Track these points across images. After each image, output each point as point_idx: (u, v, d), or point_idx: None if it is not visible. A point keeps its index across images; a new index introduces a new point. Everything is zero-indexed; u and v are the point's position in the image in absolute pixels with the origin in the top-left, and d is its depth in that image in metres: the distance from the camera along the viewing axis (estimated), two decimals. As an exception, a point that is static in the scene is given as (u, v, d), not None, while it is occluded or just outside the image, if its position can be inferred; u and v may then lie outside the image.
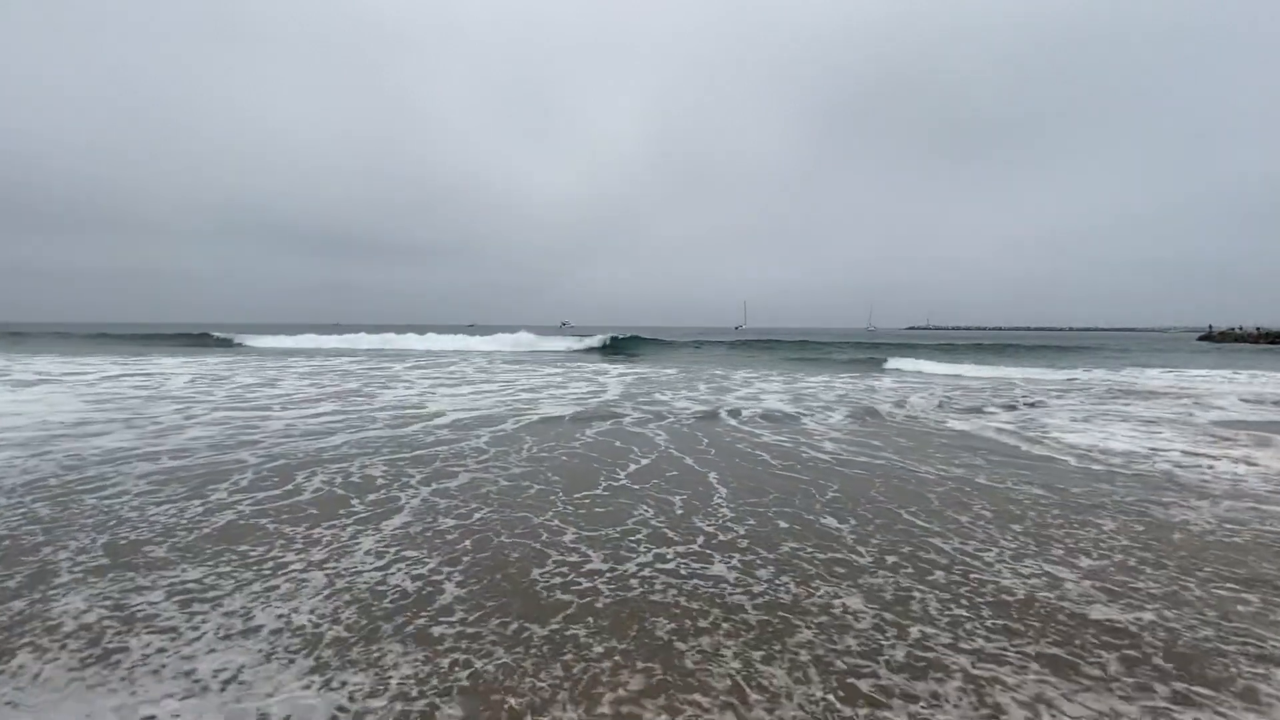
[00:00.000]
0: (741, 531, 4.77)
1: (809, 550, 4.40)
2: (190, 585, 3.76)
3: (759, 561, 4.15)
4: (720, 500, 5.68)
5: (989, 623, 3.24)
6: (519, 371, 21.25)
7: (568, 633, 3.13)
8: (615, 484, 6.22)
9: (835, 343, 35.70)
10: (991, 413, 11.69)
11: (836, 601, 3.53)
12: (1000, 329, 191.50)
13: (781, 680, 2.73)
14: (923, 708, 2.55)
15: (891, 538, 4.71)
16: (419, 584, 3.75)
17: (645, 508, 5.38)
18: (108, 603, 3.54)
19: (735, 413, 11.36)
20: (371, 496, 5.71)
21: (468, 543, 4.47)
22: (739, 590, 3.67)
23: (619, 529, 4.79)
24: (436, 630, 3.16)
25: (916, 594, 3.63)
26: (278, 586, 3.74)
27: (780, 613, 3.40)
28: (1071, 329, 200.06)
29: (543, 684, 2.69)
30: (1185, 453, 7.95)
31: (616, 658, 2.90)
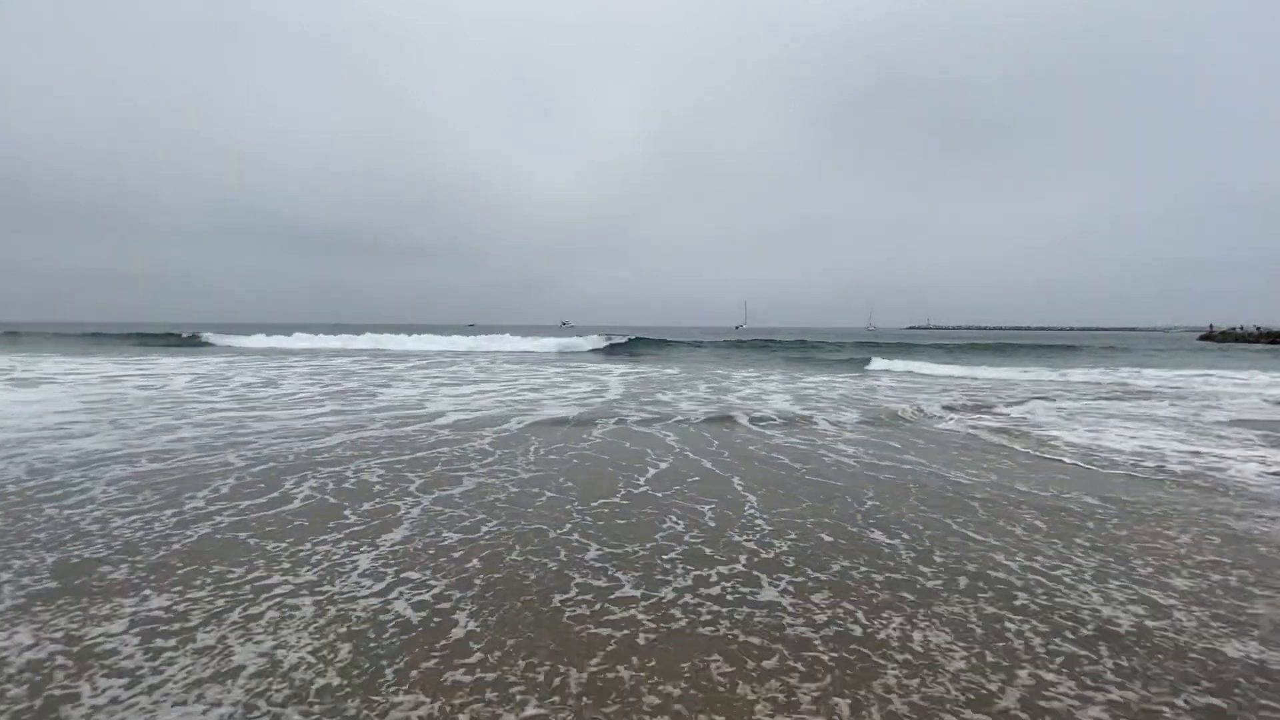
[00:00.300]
0: (784, 547, 4.29)
1: (864, 570, 3.92)
2: (155, 615, 3.25)
3: (812, 584, 3.67)
4: (752, 510, 5.20)
5: (1110, 663, 2.77)
6: (520, 371, 20.74)
7: (609, 676, 2.64)
8: (635, 491, 5.73)
9: (835, 343, 35.27)
10: (1002, 413, 11.27)
11: (916, 635, 3.05)
12: (1000, 328, 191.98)
13: (876, 741, 2.25)
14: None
15: (951, 553, 4.24)
16: (424, 613, 3.24)
17: (673, 519, 4.89)
18: (56, 636, 3.03)
19: (744, 414, 10.89)
20: (367, 506, 5.20)
21: (477, 561, 3.96)
22: (800, 620, 3.19)
23: (648, 545, 4.29)
24: (450, 675, 2.66)
25: (1007, 625, 3.16)
26: (259, 616, 3.22)
27: (853, 648, 2.92)
28: (1072, 329, 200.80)
29: (585, 747, 2.20)
30: (1219, 456, 7.55)
31: (677, 707, 2.41)
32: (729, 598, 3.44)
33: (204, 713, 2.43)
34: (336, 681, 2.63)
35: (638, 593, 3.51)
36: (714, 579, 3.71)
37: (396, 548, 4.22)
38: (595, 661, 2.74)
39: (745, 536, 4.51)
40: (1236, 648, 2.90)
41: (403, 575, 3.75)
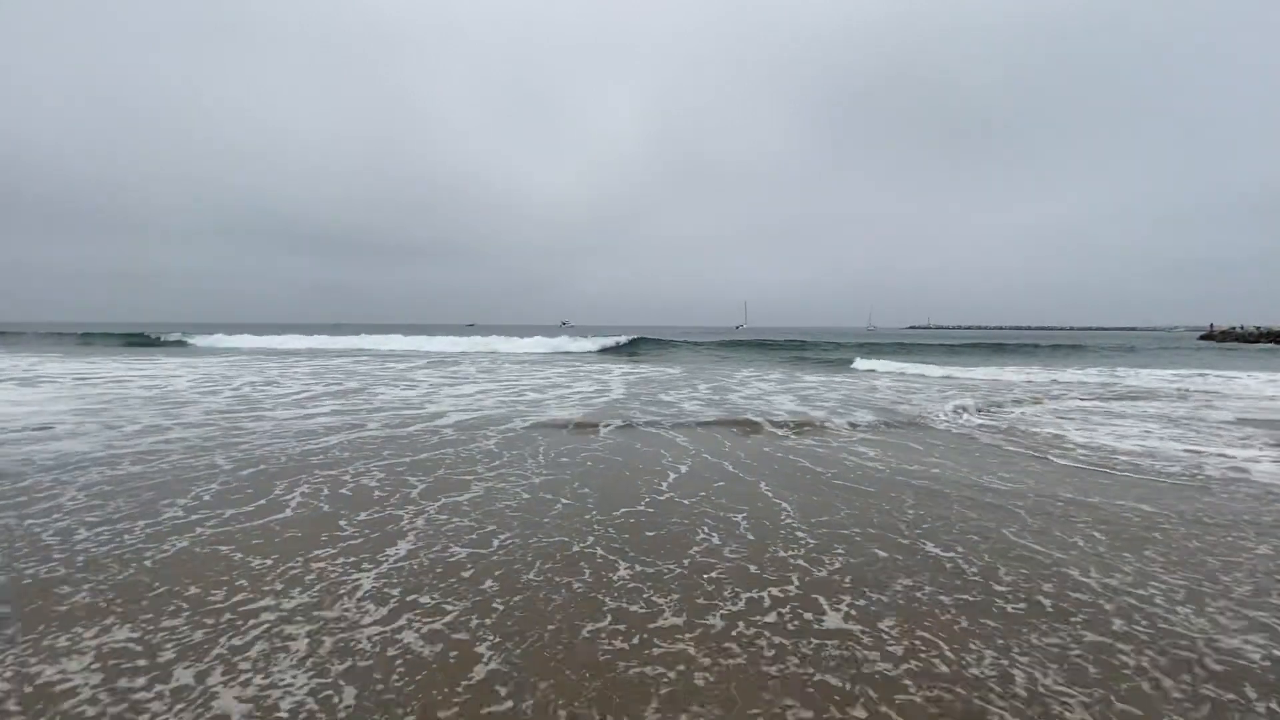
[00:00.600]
0: (836, 564, 3.86)
1: (930, 589, 3.50)
2: (122, 648, 2.80)
3: (878, 608, 3.24)
4: (790, 519, 4.77)
5: (1263, 707, 2.35)
6: (521, 371, 20.30)
7: (669, 732, 2.21)
8: (659, 498, 5.30)
9: (834, 343, 34.82)
10: (1014, 414, 10.87)
11: (1017, 673, 2.63)
12: (1000, 328, 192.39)
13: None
14: None
15: (1018, 569, 3.84)
16: (439, 647, 2.80)
17: (706, 530, 4.46)
18: (3, 675, 2.57)
19: (753, 414, 10.48)
20: (364, 515, 4.75)
21: (492, 582, 3.52)
22: (875, 653, 2.76)
23: (684, 561, 3.86)
24: (476, 731, 2.22)
25: (1120, 658, 2.74)
26: (245, 650, 2.78)
27: (947, 687, 2.49)
28: (1072, 328, 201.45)
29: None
30: (1255, 459, 7.19)
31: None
32: (790, 626, 3.00)
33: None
34: (336, 738, 2.19)
35: (680, 620, 3.08)
36: (767, 602, 3.28)
37: (401, 564, 3.77)
38: (650, 712, 2.30)
39: (790, 551, 4.08)
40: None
41: (410, 598, 3.30)
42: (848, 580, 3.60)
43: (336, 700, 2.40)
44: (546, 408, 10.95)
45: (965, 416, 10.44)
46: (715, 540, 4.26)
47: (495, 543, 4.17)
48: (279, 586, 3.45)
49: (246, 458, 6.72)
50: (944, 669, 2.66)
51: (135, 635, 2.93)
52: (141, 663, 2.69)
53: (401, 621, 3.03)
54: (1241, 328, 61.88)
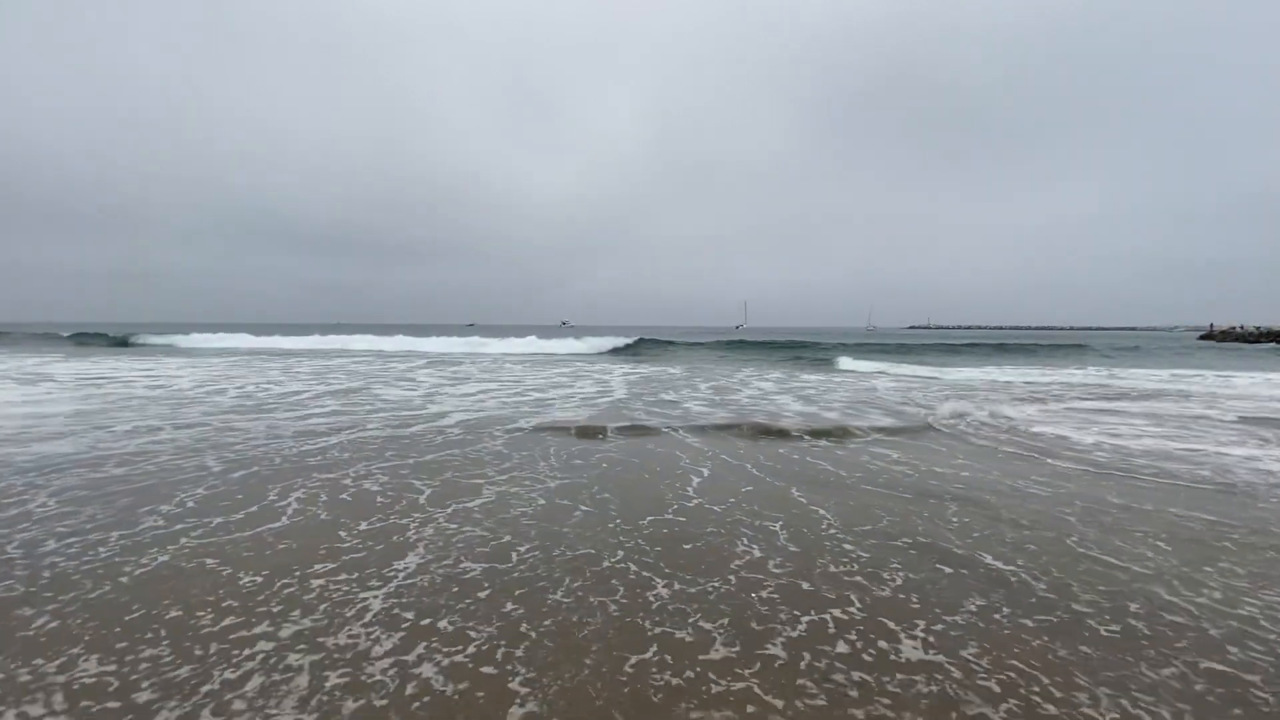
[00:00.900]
0: (897, 581, 3.50)
1: (1009, 611, 3.15)
2: (91, 684, 2.41)
3: (956, 634, 2.88)
4: (832, 529, 4.41)
5: None
6: (522, 370, 19.92)
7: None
8: (687, 505, 4.93)
9: (835, 344, 34.44)
10: (1019, 415, 10.54)
11: (1142, 714, 2.26)
12: (1001, 328, 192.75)
13: None
14: None
15: (1094, 585, 3.50)
16: (464, 684, 2.42)
17: (745, 542, 4.09)
18: (-55, 723, 2.19)
19: (761, 415, 10.12)
20: (366, 525, 4.36)
21: (515, 604, 3.14)
22: (971, 692, 2.40)
23: (729, 578, 3.49)
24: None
25: (1261, 698, 2.38)
26: (237, 687, 2.40)
27: (1064, 739, 2.13)
28: (1073, 328, 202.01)
29: None
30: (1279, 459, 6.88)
31: None
32: (865, 657, 2.64)
33: None
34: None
35: (736, 649, 2.71)
36: (831, 627, 2.92)
37: (411, 581, 3.39)
38: (727, 774, 1.93)
39: (841, 565, 3.72)
40: None
41: (424, 622, 2.92)
42: (914, 600, 3.24)
43: (345, 755, 2.03)
44: (550, 408, 10.58)
45: (972, 417, 10.08)
46: (757, 552, 3.90)
47: (514, 556, 3.79)
48: (275, 608, 3.07)
49: (239, 459, 6.33)
50: (1054, 710, 2.30)
51: (109, 668, 2.55)
52: (114, 704, 2.31)
53: (418, 651, 2.65)
54: (1241, 327, 62.01)
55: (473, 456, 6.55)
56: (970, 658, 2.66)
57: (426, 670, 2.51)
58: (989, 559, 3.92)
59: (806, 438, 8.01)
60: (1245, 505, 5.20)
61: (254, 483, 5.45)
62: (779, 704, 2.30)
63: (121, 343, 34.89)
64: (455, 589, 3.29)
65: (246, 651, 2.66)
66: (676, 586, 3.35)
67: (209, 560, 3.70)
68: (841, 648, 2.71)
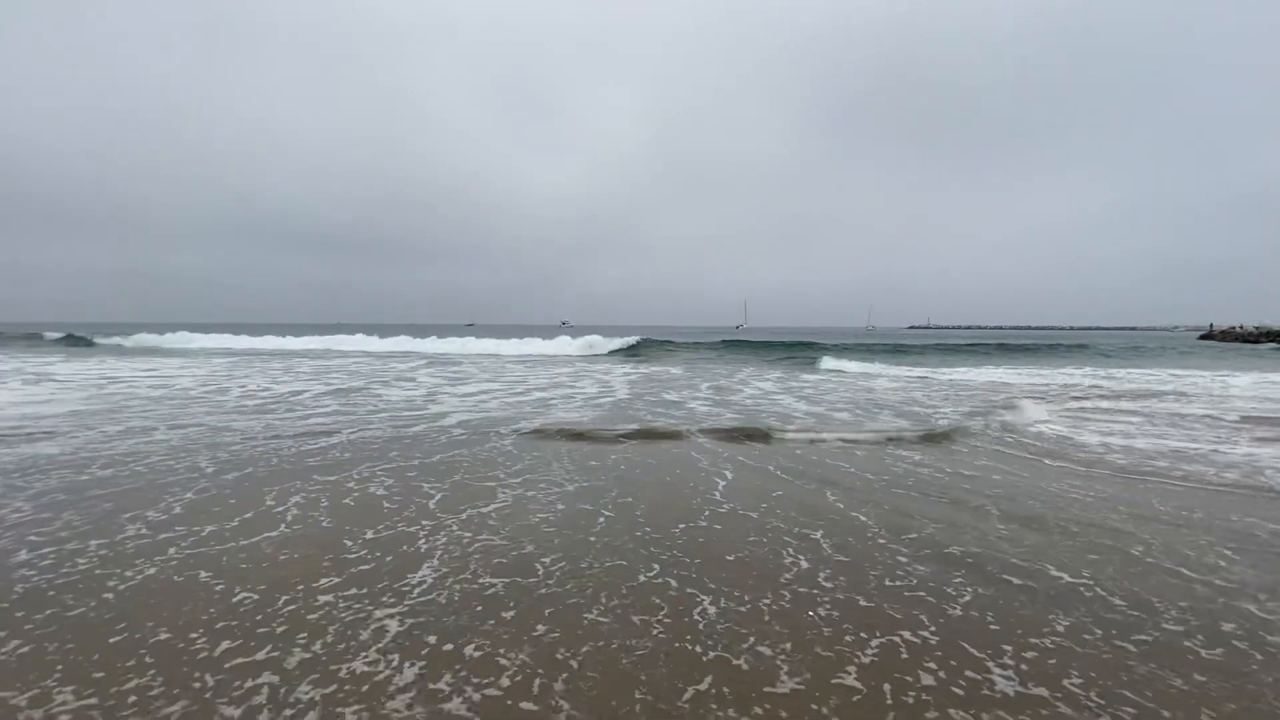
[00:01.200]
0: (965, 596, 3.20)
1: (1099, 631, 2.85)
2: (62, 728, 2.08)
3: (1052, 661, 2.58)
4: (879, 538, 4.11)
5: None
6: (523, 370, 19.59)
7: None
8: (719, 510, 4.61)
9: (834, 344, 34.14)
10: (1032, 415, 10.25)
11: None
12: (1000, 328, 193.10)
13: None
14: None
15: (1174, 599, 3.22)
16: (498, 727, 2.10)
17: (790, 552, 3.78)
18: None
19: (769, 415, 9.83)
20: (372, 533, 4.03)
21: (546, 626, 2.82)
22: (1086, 733, 2.09)
23: (781, 594, 3.18)
24: None
25: None
26: (230, 731, 2.07)
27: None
28: (1073, 328, 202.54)
29: None
30: None
31: None
32: (955, 690, 2.33)
33: None
34: None
35: (805, 679, 2.40)
36: (904, 652, 2.61)
37: (427, 599, 3.07)
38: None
39: (899, 579, 3.41)
40: None
41: (446, 647, 2.60)
42: (990, 619, 2.93)
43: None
44: (554, 408, 10.26)
45: (984, 418, 9.77)
46: (804, 563, 3.59)
47: (539, 569, 3.47)
48: (278, 629, 2.74)
49: (234, 459, 6.01)
50: (1187, 755, 1.99)
51: (89, 701, 2.23)
52: (89, 750, 1.98)
53: (445, 682, 2.33)
54: (1241, 327, 62.14)
55: (482, 458, 6.23)
56: (1076, 689, 2.35)
57: (457, 707, 2.19)
58: (1053, 570, 3.62)
59: (825, 439, 7.70)
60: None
61: (249, 486, 5.12)
62: (872, 750, 1.99)
63: (87, 342, 33.97)
64: (478, 607, 2.97)
65: (250, 683, 2.34)
66: (724, 604, 3.04)
67: (202, 573, 3.38)
68: (925, 678, 2.40)
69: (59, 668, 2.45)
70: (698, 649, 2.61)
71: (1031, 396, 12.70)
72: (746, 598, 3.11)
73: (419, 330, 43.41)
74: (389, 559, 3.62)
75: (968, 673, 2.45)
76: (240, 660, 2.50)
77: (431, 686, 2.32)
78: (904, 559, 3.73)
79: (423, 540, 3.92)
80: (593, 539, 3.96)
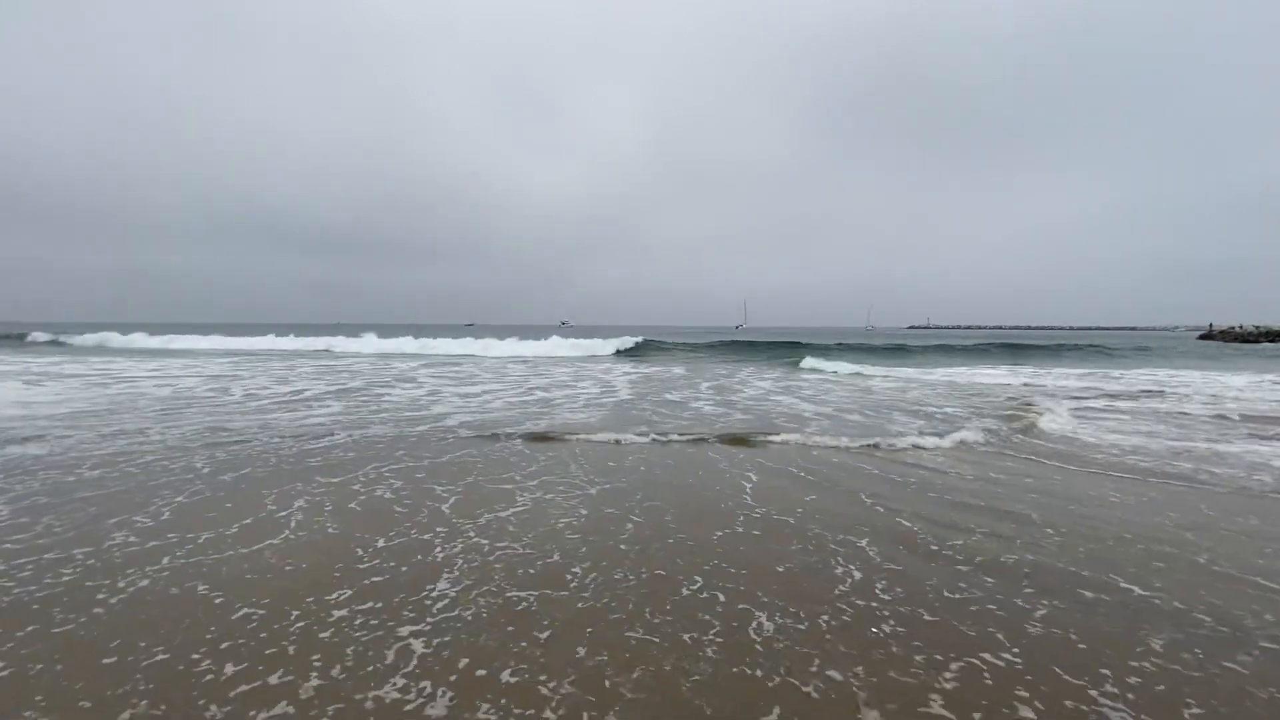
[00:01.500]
0: (1040, 611, 2.95)
1: (1199, 651, 2.61)
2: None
3: (1161, 688, 2.33)
4: (930, 545, 3.87)
5: None
6: (524, 370, 19.32)
7: None
8: (752, 515, 4.36)
9: (835, 344, 33.91)
10: (1043, 416, 10.04)
11: None
12: (1000, 328, 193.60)
13: None
14: None
15: (1259, 613, 2.99)
16: (550, 769, 1.84)
17: (839, 561, 3.52)
18: None
19: (777, 415, 9.59)
20: (383, 541, 3.76)
21: (587, 648, 2.57)
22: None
23: (839, 609, 2.92)
24: None
25: None
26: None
27: None
28: (1073, 328, 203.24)
29: None
30: None
31: None
32: (1064, 724, 2.07)
33: None
34: None
35: (888, 714, 2.14)
36: (989, 677, 2.35)
37: (451, 615, 2.81)
38: None
39: (961, 590, 3.16)
40: None
41: (480, 672, 2.34)
42: (1074, 637, 2.68)
43: None
44: (559, 408, 9.99)
45: (995, 420, 9.54)
46: (856, 574, 3.33)
47: (570, 580, 3.21)
48: (290, 650, 2.48)
49: (231, 459, 5.73)
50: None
51: (70, 741, 1.95)
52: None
53: (484, 714, 2.06)
54: (1240, 327, 62.32)
55: (494, 459, 5.96)
56: (1192, 720, 2.10)
57: (498, 746, 1.92)
58: (1121, 582, 3.38)
59: (843, 442, 7.43)
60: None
61: (247, 488, 4.85)
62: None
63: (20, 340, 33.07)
64: (509, 626, 2.70)
65: (263, 715, 2.07)
66: (780, 620, 2.78)
67: (200, 585, 3.11)
68: (1023, 710, 2.15)
69: (40, 696, 2.18)
70: (759, 672, 2.36)
71: (1040, 396, 12.48)
72: (802, 613, 2.85)
73: (419, 330, 43.14)
74: (404, 569, 3.35)
75: (1068, 702, 2.20)
76: (250, 686, 2.23)
77: (469, 719, 2.05)
78: (963, 568, 3.48)
79: (439, 548, 3.65)
80: (624, 547, 3.69)
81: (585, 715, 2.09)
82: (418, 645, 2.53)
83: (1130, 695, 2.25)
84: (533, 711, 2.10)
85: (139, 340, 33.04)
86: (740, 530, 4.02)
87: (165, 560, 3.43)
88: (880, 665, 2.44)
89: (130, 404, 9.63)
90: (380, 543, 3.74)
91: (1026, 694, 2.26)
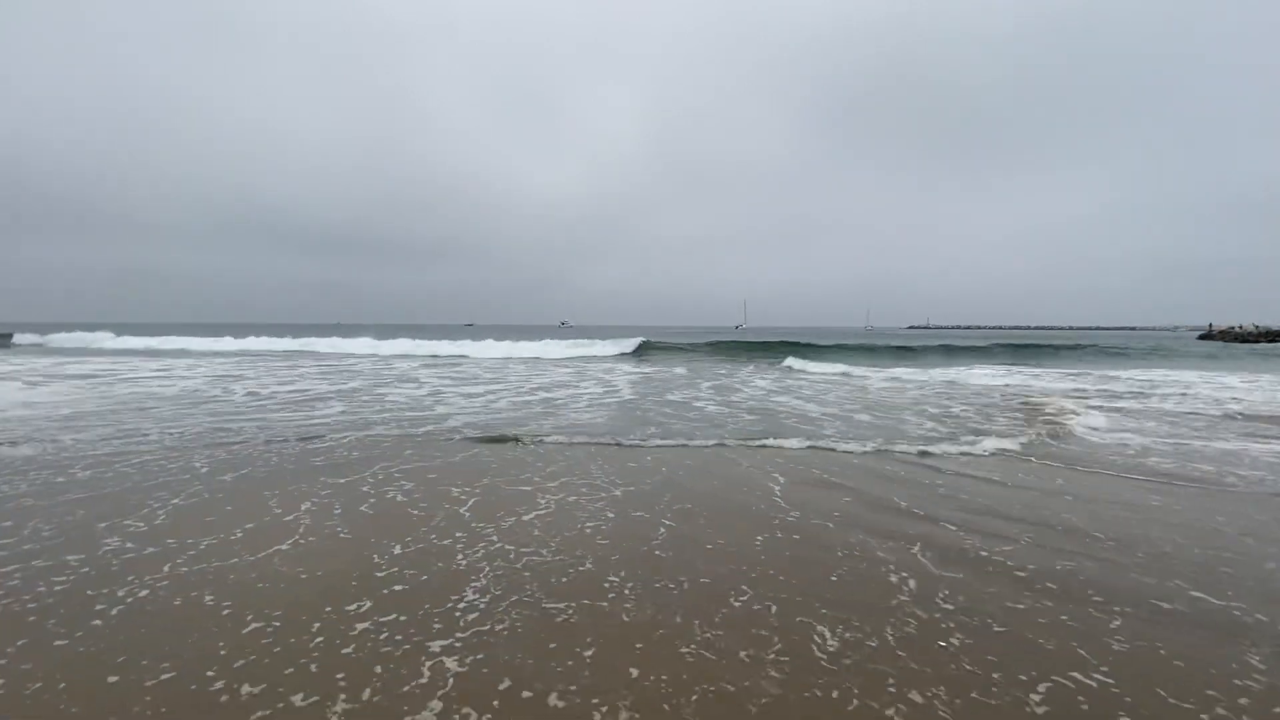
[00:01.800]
0: (1116, 623, 2.77)
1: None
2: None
3: None
4: (979, 550, 3.68)
5: None
6: (525, 370, 19.11)
7: None
8: (787, 519, 4.16)
9: (833, 345, 33.72)
10: (1052, 417, 9.88)
11: None
12: (1000, 328, 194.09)
13: None
14: None
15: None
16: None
17: (891, 568, 3.33)
18: None
19: (782, 414, 9.40)
20: (400, 548, 3.55)
21: (639, 667, 2.37)
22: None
23: (907, 622, 2.73)
24: None
25: None
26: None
27: None
28: (1073, 328, 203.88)
29: None
30: None
31: None
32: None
33: None
34: None
35: (981, 734, 1.94)
36: (1084, 701, 2.16)
37: (483, 629, 2.60)
38: None
39: (1024, 600, 2.98)
40: None
41: (525, 694, 2.14)
42: (1163, 652, 2.49)
43: None
44: (564, 408, 9.79)
45: (1006, 421, 9.38)
46: (911, 583, 3.14)
47: (607, 590, 3.00)
48: (311, 669, 2.27)
49: (232, 460, 5.51)
50: None
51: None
52: None
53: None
54: (1240, 327, 62.54)
55: (508, 459, 5.76)
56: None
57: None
58: (1192, 591, 3.20)
59: (864, 446, 7.22)
60: None
61: (249, 489, 4.64)
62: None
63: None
64: (550, 642, 2.50)
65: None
66: (843, 633, 2.58)
67: (207, 595, 2.89)
68: (1136, 738, 1.96)
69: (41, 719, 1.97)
70: (835, 694, 2.16)
71: (1046, 398, 12.33)
72: (865, 625, 2.66)
73: (418, 330, 42.92)
74: (425, 577, 3.15)
75: (1185, 727, 2.01)
76: (270, 711, 2.02)
77: (518, 750, 1.85)
78: (1018, 574, 3.30)
79: (461, 554, 3.45)
80: (659, 553, 3.49)
81: (649, 746, 1.89)
82: (451, 663, 2.32)
83: (1246, 720, 2.06)
84: (590, 741, 1.90)
85: (129, 341, 32.62)
86: (780, 535, 3.82)
87: (166, 568, 3.21)
88: (960, 684, 2.25)
89: (136, 404, 9.39)
90: (397, 549, 3.53)
91: (1090, 708, 2.07)
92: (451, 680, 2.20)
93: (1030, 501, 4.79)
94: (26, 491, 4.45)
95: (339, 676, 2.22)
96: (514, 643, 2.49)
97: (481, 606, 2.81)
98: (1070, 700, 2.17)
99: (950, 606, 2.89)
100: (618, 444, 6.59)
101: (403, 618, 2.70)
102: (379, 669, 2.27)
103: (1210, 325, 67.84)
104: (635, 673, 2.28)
